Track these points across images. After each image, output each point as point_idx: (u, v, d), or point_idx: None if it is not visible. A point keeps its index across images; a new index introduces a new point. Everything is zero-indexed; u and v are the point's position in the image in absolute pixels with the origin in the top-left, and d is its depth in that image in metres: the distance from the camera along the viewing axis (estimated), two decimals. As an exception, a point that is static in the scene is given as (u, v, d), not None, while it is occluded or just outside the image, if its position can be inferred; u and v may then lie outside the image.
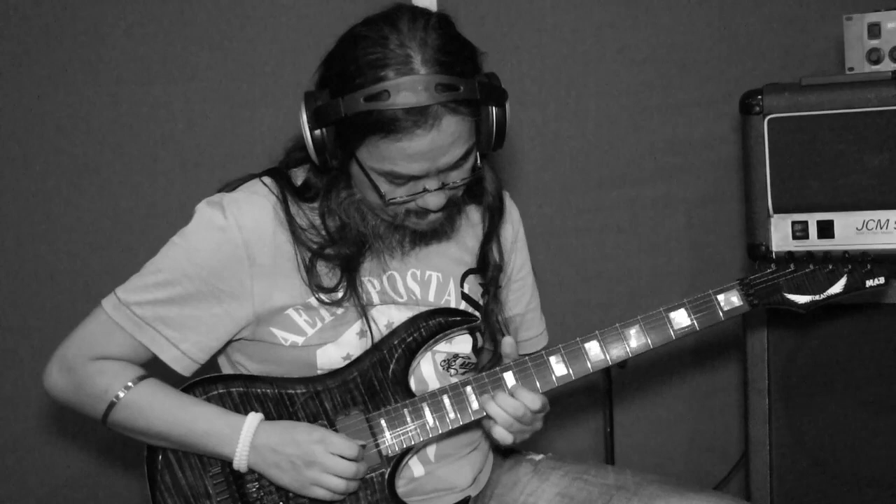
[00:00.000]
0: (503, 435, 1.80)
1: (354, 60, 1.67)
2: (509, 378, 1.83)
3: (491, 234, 1.96)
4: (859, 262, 1.87)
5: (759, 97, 2.27)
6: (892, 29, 2.29)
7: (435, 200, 1.75)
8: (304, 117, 1.72)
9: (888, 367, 2.32)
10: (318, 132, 1.72)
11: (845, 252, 1.88)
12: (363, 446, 1.77)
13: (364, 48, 1.67)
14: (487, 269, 1.95)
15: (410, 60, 1.65)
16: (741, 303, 1.87)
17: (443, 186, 1.74)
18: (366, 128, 1.67)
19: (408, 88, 1.64)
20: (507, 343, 1.88)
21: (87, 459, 2.89)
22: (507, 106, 1.75)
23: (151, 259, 1.82)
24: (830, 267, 1.87)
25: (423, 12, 1.72)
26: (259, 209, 1.79)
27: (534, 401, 1.80)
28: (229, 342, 1.86)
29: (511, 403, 1.79)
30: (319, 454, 1.74)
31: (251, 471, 1.78)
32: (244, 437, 1.75)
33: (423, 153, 1.68)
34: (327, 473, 1.74)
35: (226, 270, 1.78)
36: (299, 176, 1.86)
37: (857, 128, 2.22)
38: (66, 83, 2.79)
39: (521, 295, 2.06)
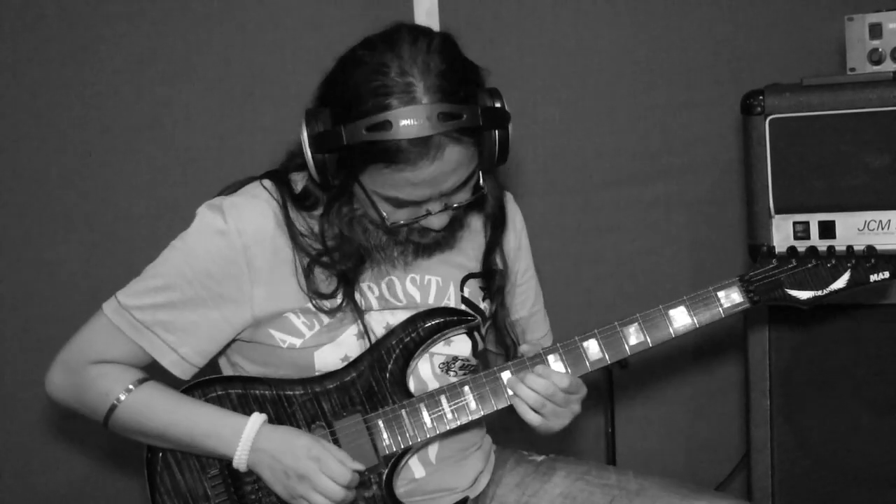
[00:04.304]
0: (533, 417, 1.78)
1: (355, 87, 1.65)
2: (507, 377, 1.81)
3: (493, 244, 1.94)
4: (863, 257, 1.81)
5: (761, 97, 2.26)
6: (893, 29, 2.29)
7: (438, 221, 1.75)
8: (306, 136, 1.71)
9: (890, 367, 2.31)
10: (319, 156, 1.71)
11: (849, 247, 1.82)
12: (360, 472, 1.76)
13: (364, 75, 1.65)
14: (493, 278, 1.94)
15: (412, 89, 1.63)
16: (742, 299, 1.82)
17: (446, 208, 1.74)
18: (368, 157, 1.66)
19: (410, 118, 1.61)
20: (525, 350, 1.85)
21: (89, 463, 2.90)
22: (510, 127, 1.73)
23: (152, 263, 1.82)
24: (833, 262, 1.81)
25: (425, 32, 1.69)
26: (259, 213, 1.79)
27: (561, 379, 1.77)
28: (229, 344, 1.86)
29: (540, 383, 1.77)
30: (312, 472, 1.73)
31: (249, 472, 1.78)
32: (246, 437, 1.75)
33: (426, 181, 1.67)
34: (315, 492, 1.73)
35: (225, 275, 1.78)
36: (299, 181, 1.86)
37: (858, 128, 2.22)
38: (66, 85, 2.80)
39: (525, 299, 2.05)
